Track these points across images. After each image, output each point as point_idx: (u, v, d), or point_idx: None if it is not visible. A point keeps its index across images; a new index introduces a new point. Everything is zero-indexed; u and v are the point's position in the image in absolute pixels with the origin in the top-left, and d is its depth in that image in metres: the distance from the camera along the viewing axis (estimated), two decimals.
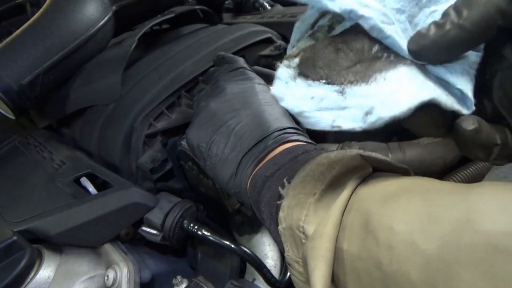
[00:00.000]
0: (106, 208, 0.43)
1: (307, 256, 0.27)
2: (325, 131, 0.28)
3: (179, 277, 0.44)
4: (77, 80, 0.57)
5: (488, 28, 0.23)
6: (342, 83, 0.28)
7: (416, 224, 0.22)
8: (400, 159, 0.54)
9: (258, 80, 0.46)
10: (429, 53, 0.26)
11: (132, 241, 0.48)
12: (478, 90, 0.27)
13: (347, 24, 0.30)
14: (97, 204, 0.43)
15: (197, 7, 0.75)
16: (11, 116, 0.51)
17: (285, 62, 0.32)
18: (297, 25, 0.34)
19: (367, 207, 0.26)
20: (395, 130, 0.71)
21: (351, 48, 0.29)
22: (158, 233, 0.45)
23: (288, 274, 0.46)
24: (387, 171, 0.31)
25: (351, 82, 0.27)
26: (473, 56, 0.27)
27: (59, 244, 0.44)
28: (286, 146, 0.37)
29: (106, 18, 0.56)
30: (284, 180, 0.33)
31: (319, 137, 0.74)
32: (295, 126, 0.41)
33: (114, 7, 0.58)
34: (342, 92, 0.27)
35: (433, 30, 0.25)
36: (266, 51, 0.64)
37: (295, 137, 0.38)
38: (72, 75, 0.56)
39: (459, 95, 0.27)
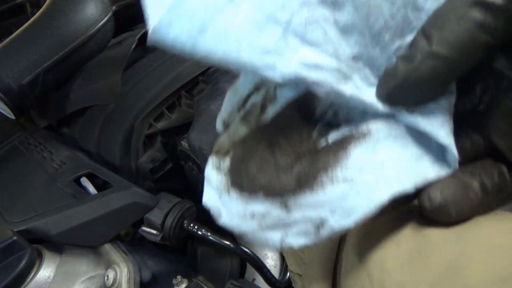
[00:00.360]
0: (106, 208, 0.43)
1: (307, 284, 0.27)
2: None
3: (179, 277, 0.44)
4: (77, 80, 0.57)
5: (472, 50, 0.18)
6: (283, 194, 0.22)
7: (407, 265, 0.21)
8: None
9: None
10: (401, 95, 0.20)
11: (132, 241, 0.48)
12: (458, 126, 0.22)
13: (277, 106, 0.24)
14: (97, 204, 0.43)
15: None
16: (11, 116, 0.51)
17: (215, 160, 0.25)
18: (228, 95, 0.27)
19: (361, 236, 0.25)
20: None
21: (287, 139, 0.24)
22: (158, 233, 0.45)
23: (288, 274, 0.46)
24: None
25: (293, 191, 0.22)
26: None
27: (59, 244, 0.44)
28: None
29: (106, 18, 0.56)
30: None
31: None
32: None
33: (114, 7, 0.58)
34: (285, 206, 0.22)
35: (401, 65, 0.20)
36: None
37: None
38: (72, 75, 0.56)
39: (437, 150, 0.23)
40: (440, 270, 0.19)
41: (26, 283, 0.38)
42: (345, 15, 0.21)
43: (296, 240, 0.22)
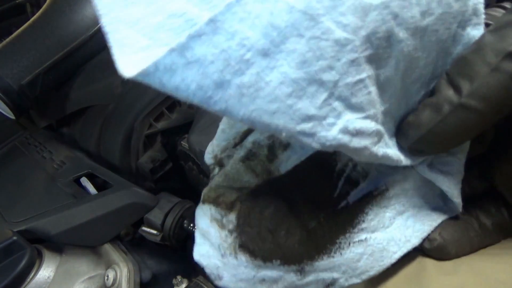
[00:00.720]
0: (106, 208, 0.43)
1: None
2: None
3: (179, 277, 0.44)
4: (77, 80, 0.57)
5: (505, 102, 0.17)
6: (301, 261, 0.20)
7: None
8: None
9: None
10: (425, 146, 0.19)
11: (132, 241, 0.48)
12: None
13: (294, 158, 0.22)
14: (97, 204, 0.43)
15: None
16: (11, 116, 0.51)
17: (214, 211, 0.22)
18: (222, 127, 0.25)
19: None
20: None
21: (306, 197, 0.21)
22: (158, 233, 0.45)
23: None
24: None
25: (311, 258, 0.21)
26: None
27: (59, 244, 0.44)
28: None
29: None
30: None
31: None
32: None
33: None
34: (301, 271, 0.21)
35: (427, 116, 0.19)
36: None
37: None
38: (72, 75, 0.56)
39: (443, 200, 0.23)
40: None
41: (26, 283, 0.38)
42: (387, 71, 0.18)
43: None
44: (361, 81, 0.17)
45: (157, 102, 0.53)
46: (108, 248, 0.45)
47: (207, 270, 0.21)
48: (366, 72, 0.17)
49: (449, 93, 0.18)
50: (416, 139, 0.19)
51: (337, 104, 0.16)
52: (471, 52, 0.18)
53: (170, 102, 0.54)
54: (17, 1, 0.77)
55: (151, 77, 0.15)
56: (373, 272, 0.21)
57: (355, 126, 0.17)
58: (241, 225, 0.20)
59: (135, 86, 0.55)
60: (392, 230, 0.22)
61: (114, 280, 0.41)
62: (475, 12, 0.19)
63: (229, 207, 0.21)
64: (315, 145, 0.17)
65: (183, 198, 0.48)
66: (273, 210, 0.20)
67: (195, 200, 0.49)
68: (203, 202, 0.22)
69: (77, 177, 0.48)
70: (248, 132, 0.24)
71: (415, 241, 0.22)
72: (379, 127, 0.18)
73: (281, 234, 0.20)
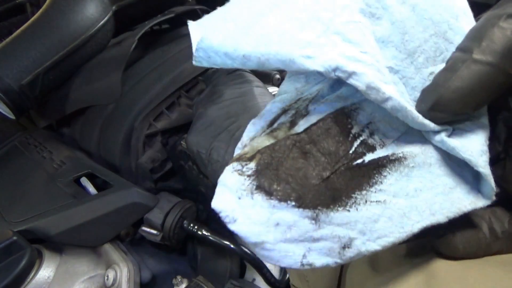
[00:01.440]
0: (106, 208, 0.43)
1: None
2: None
3: (179, 277, 0.44)
4: (77, 80, 0.57)
5: None
6: (316, 207, 0.21)
7: None
8: None
9: (257, 82, 0.46)
10: (444, 107, 0.20)
11: (132, 241, 0.48)
12: None
13: (312, 119, 0.23)
14: (97, 204, 0.43)
15: (197, 7, 0.75)
16: (11, 116, 0.51)
17: (235, 165, 0.23)
18: (253, 120, 0.27)
19: (370, 269, 0.25)
20: None
21: (322, 151, 0.22)
22: (158, 233, 0.45)
23: (288, 274, 0.46)
24: None
25: (326, 206, 0.21)
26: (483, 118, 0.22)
27: (59, 244, 0.44)
28: None
29: (106, 18, 0.56)
30: None
31: None
32: None
33: (114, 7, 0.58)
34: (315, 219, 0.21)
35: (442, 77, 0.20)
36: None
37: None
38: (72, 75, 0.56)
39: (471, 180, 0.23)
40: None
41: (26, 283, 0.38)
42: (382, 29, 0.22)
43: (318, 258, 0.21)
44: (354, 22, 0.21)
45: (157, 102, 0.53)
46: (108, 248, 0.45)
47: (222, 215, 0.21)
48: (359, 19, 0.21)
49: (461, 54, 0.20)
50: (435, 100, 0.20)
51: (333, 36, 0.21)
52: (476, 25, 0.20)
53: (170, 102, 0.54)
54: (17, 1, 0.77)
55: (205, 42, 0.24)
56: (392, 238, 0.21)
57: (353, 54, 0.20)
58: (259, 170, 0.22)
59: (135, 86, 0.55)
60: (417, 200, 0.22)
61: (114, 280, 0.41)
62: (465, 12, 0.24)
63: (250, 159, 0.22)
64: (318, 68, 0.20)
65: (183, 198, 0.48)
66: (290, 158, 0.22)
67: (195, 200, 0.49)
68: (227, 164, 0.23)
69: (77, 177, 0.48)
70: (275, 120, 0.25)
71: (440, 217, 0.21)
72: (382, 69, 0.21)
73: (297, 177, 0.21)
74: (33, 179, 0.50)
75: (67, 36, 0.52)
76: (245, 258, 0.46)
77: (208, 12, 0.76)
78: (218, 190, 0.22)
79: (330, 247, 0.21)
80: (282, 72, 0.63)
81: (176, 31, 0.72)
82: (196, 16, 0.76)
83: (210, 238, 0.45)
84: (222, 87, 0.45)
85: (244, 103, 0.43)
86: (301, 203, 0.21)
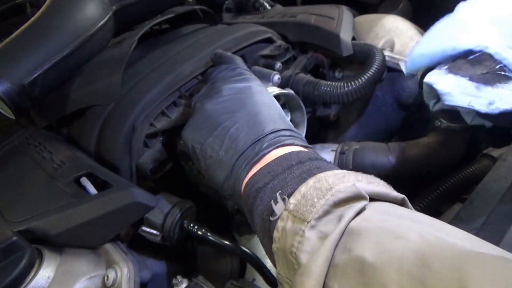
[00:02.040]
0: (106, 208, 0.43)
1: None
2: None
3: (179, 277, 0.44)
4: (77, 80, 0.57)
5: None
6: (478, 82, 0.44)
7: (407, 286, 0.22)
8: (400, 159, 0.54)
9: (255, 80, 0.46)
10: None
11: (132, 241, 0.48)
12: None
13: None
14: (97, 204, 0.43)
15: (197, 7, 0.75)
16: (11, 116, 0.51)
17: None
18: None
19: (362, 254, 0.25)
20: (395, 131, 0.72)
21: (484, 64, 0.45)
22: (158, 233, 0.45)
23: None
24: (384, 201, 0.31)
25: (484, 83, 0.44)
26: None
27: (59, 244, 0.44)
28: (280, 150, 0.37)
29: (106, 18, 0.56)
30: (277, 194, 0.33)
31: (320, 139, 0.74)
32: (290, 127, 0.41)
33: (114, 7, 0.58)
34: (477, 88, 0.44)
35: None
36: (266, 51, 0.64)
37: (290, 140, 0.38)
38: (72, 75, 0.56)
39: None
40: None
41: (26, 283, 0.38)
42: None
43: (476, 105, 0.44)
44: None
45: (157, 102, 0.53)
46: (108, 248, 0.45)
47: (430, 82, 0.48)
48: None
49: None
50: None
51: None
52: None
53: (170, 102, 0.54)
54: (17, 1, 0.77)
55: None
56: None
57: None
58: (451, 67, 0.49)
59: (135, 86, 0.55)
60: None
61: (114, 280, 0.41)
62: None
63: None
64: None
65: (183, 198, 0.48)
66: (467, 65, 0.47)
67: (195, 200, 0.49)
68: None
69: (77, 177, 0.48)
70: None
71: None
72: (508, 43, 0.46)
73: (470, 70, 0.47)
74: (33, 179, 0.50)
75: (67, 36, 0.52)
76: (245, 258, 0.46)
77: (208, 12, 0.76)
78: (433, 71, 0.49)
79: (482, 102, 0.44)
80: (281, 72, 0.63)
81: (176, 31, 0.72)
82: (196, 16, 0.77)
83: (210, 238, 0.45)
84: (220, 83, 0.45)
85: (241, 100, 0.42)
86: (471, 78, 0.45)
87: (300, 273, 0.28)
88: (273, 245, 0.31)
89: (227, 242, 0.45)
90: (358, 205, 0.29)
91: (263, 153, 0.37)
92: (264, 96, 0.43)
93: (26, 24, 0.52)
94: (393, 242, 0.25)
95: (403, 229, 0.26)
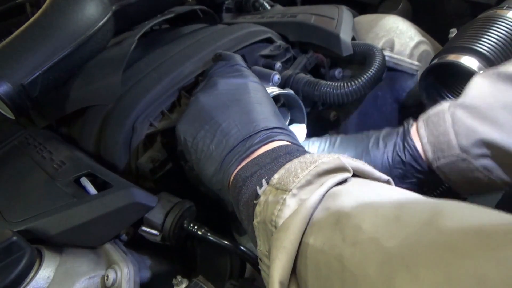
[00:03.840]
0: (106, 208, 0.43)
1: (272, 247, 0.28)
2: None
3: (179, 277, 0.44)
4: (77, 80, 0.57)
5: None
6: None
7: (382, 225, 0.22)
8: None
9: (253, 77, 0.46)
10: None
11: (132, 241, 0.48)
12: None
13: None
14: (97, 204, 0.43)
15: (197, 7, 0.75)
16: (11, 116, 0.51)
17: None
18: None
19: (340, 208, 0.26)
20: None
21: None
22: (158, 233, 0.45)
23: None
24: (368, 178, 0.31)
25: None
26: None
27: (59, 244, 0.44)
28: (270, 145, 0.37)
29: (106, 18, 0.56)
30: (263, 180, 0.33)
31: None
32: (284, 126, 0.41)
33: (114, 7, 0.58)
34: None
35: None
36: (266, 51, 0.64)
37: (281, 137, 0.38)
38: (72, 75, 0.56)
39: None
40: (414, 228, 0.21)
41: (26, 283, 0.38)
42: None
43: None
44: None
45: (157, 102, 0.53)
46: (108, 248, 0.45)
47: None
48: None
49: None
50: None
51: None
52: None
53: (170, 102, 0.54)
54: (17, 1, 0.77)
55: None
56: None
57: None
58: None
59: (134, 86, 0.55)
60: None
61: (114, 280, 0.41)
62: None
63: None
64: None
65: (183, 198, 0.48)
66: None
67: (195, 200, 0.49)
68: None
69: (77, 177, 0.48)
70: None
71: None
72: None
73: None
74: (33, 179, 0.50)
75: (67, 36, 0.52)
76: (245, 258, 0.46)
77: (208, 12, 0.76)
78: None
79: None
80: (281, 72, 0.63)
81: (176, 31, 0.72)
82: (196, 16, 0.77)
83: (210, 238, 0.45)
84: (217, 78, 0.45)
85: (236, 95, 0.42)
86: None
87: (278, 231, 0.28)
88: (254, 221, 0.31)
89: (227, 242, 0.45)
90: (341, 176, 0.29)
91: (253, 149, 0.37)
92: (259, 93, 0.43)
93: (26, 24, 0.52)
94: (372, 198, 0.26)
95: (384, 190, 0.27)
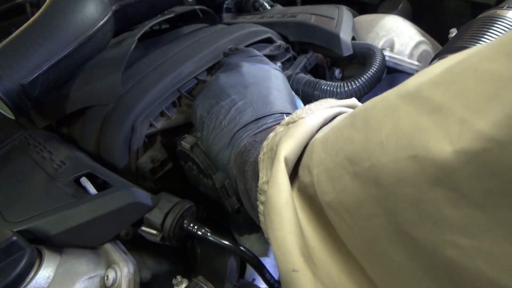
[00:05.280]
0: (106, 208, 0.43)
1: (278, 142, 0.27)
2: None
3: (179, 277, 0.44)
4: (77, 80, 0.57)
5: None
6: None
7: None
8: None
9: (275, 66, 0.47)
10: None
11: (132, 241, 0.48)
12: None
13: None
14: (97, 204, 0.43)
15: (197, 7, 0.75)
16: (11, 116, 0.51)
17: None
18: None
19: (354, 111, 0.25)
20: None
21: None
22: (158, 233, 0.45)
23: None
24: None
25: None
26: None
27: (59, 244, 0.44)
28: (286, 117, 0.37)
29: (106, 18, 0.56)
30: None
31: None
32: None
33: (114, 7, 0.58)
34: None
35: None
36: (266, 51, 0.64)
37: None
38: (72, 75, 0.56)
39: None
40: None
41: (26, 283, 0.38)
42: None
43: None
44: None
45: (157, 102, 0.53)
46: (108, 248, 0.45)
47: None
48: None
49: None
50: None
51: None
52: None
53: (170, 102, 0.54)
54: (17, 1, 0.77)
55: None
56: None
57: None
58: None
59: (134, 86, 0.55)
60: None
61: (114, 280, 0.41)
62: None
63: None
64: None
65: (183, 198, 0.48)
66: None
67: (195, 200, 0.49)
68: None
69: (77, 177, 0.48)
70: None
71: None
72: None
73: None
74: (33, 179, 0.50)
75: (67, 36, 0.52)
76: (244, 258, 0.46)
77: (208, 12, 0.76)
78: None
79: None
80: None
81: (176, 31, 0.72)
82: (195, 16, 0.77)
83: (210, 238, 0.45)
84: (241, 62, 0.46)
85: (256, 78, 0.43)
86: None
87: (288, 128, 0.27)
88: (260, 155, 0.30)
89: (227, 242, 0.45)
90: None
91: (266, 126, 0.37)
92: (279, 81, 0.44)
93: (26, 24, 0.52)
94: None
95: None
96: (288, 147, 0.26)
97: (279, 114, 0.38)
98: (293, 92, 0.45)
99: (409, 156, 0.16)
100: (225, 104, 0.40)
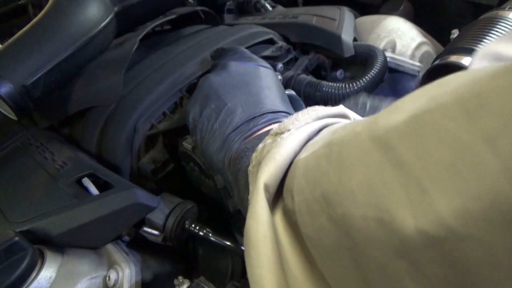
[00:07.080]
0: (108, 209, 0.43)
1: (259, 168, 0.27)
2: None
3: (180, 278, 0.44)
4: (79, 81, 0.57)
5: None
6: None
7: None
8: None
9: (263, 63, 0.46)
10: None
11: (133, 242, 0.48)
12: None
13: None
14: (98, 204, 0.43)
15: (199, 8, 0.75)
16: (13, 117, 0.51)
17: None
18: None
19: (333, 134, 0.25)
20: None
21: None
22: (160, 234, 0.45)
23: None
24: None
25: None
26: None
27: (61, 245, 0.44)
28: (274, 126, 0.37)
29: (108, 19, 0.56)
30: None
31: None
32: (290, 111, 0.40)
33: (116, 8, 0.58)
34: None
35: None
36: (268, 52, 0.64)
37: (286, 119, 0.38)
38: (74, 76, 0.56)
39: None
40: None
41: (27, 283, 0.38)
42: None
43: None
44: None
45: (158, 103, 0.53)
46: (109, 248, 0.45)
47: None
48: None
49: None
50: None
51: None
52: None
53: (171, 103, 0.54)
54: (19, 2, 0.78)
55: None
56: None
57: None
58: None
59: (136, 87, 0.55)
60: None
61: (116, 280, 0.41)
62: None
63: None
64: None
65: (184, 199, 0.48)
66: None
67: (197, 200, 0.49)
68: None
69: (78, 178, 0.48)
70: None
71: None
72: None
73: None
74: (35, 180, 0.50)
75: (69, 37, 0.52)
76: None
77: (209, 13, 0.76)
78: None
79: None
80: (283, 73, 0.63)
81: (177, 32, 0.72)
82: (197, 17, 0.77)
83: (212, 238, 0.45)
84: (229, 61, 0.45)
85: (245, 77, 0.42)
86: None
87: (270, 149, 0.27)
88: (249, 168, 0.30)
89: (228, 243, 0.45)
90: (342, 120, 0.29)
91: (257, 128, 0.37)
92: (268, 78, 0.43)
93: (28, 25, 0.52)
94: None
95: None
96: (268, 172, 0.26)
97: (271, 113, 0.38)
98: (282, 88, 0.45)
99: (376, 218, 0.17)
100: (215, 107, 0.40)
